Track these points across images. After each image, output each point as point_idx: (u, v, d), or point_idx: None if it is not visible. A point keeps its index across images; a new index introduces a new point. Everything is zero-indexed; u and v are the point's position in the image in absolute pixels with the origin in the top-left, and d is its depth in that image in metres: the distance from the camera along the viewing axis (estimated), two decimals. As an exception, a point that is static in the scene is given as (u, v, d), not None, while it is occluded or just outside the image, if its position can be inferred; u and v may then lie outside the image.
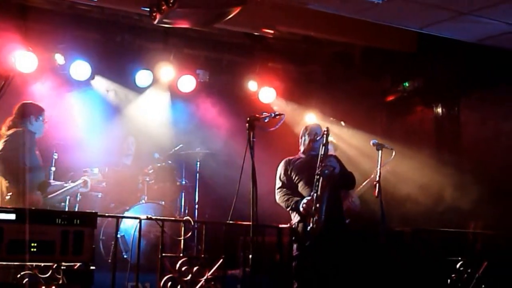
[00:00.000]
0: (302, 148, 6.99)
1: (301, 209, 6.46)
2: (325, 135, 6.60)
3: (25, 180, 6.65)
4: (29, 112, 6.98)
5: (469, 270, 7.54)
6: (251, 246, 5.51)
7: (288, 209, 6.71)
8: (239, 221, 6.52)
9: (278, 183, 6.84)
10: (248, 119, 5.67)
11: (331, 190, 6.52)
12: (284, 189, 6.76)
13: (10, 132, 6.73)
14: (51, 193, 7.18)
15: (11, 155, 6.57)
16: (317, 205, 6.33)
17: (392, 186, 8.79)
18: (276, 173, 7.00)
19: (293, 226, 6.62)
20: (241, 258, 7.64)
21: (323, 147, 6.54)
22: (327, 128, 6.69)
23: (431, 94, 10.60)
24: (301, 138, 7.01)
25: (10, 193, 6.45)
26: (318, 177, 6.41)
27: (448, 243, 8.30)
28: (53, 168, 8.00)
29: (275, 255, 7.21)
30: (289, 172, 6.83)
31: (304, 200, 6.45)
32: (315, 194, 6.37)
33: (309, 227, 6.33)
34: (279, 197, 6.76)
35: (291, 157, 7.02)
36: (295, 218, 6.64)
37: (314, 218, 6.31)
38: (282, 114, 5.94)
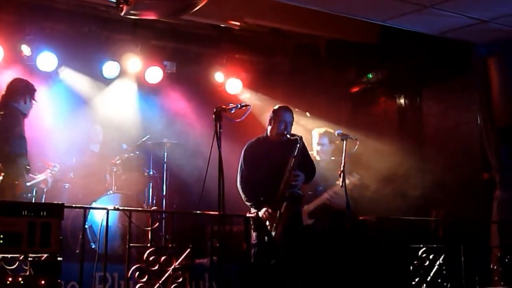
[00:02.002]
0: (268, 132, 6.91)
1: (262, 215, 6.49)
2: (297, 147, 6.57)
3: (19, 164, 6.72)
4: (23, 91, 6.96)
5: (431, 257, 7.60)
6: (219, 235, 5.49)
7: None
8: (207, 211, 6.47)
9: (241, 171, 6.80)
10: (214, 110, 5.64)
11: (293, 206, 6.56)
12: (247, 181, 6.71)
13: (2, 112, 6.71)
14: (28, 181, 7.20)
15: (4, 136, 6.62)
16: (279, 221, 6.39)
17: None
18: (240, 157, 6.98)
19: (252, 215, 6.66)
20: (208, 247, 7.60)
21: (293, 159, 6.53)
22: (300, 137, 6.66)
23: (394, 86, 10.68)
24: (269, 122, 6.90)
25: (3, 174, 6.47)
26: (283, 199, 6.45)
27: (410, 231, 8.36)
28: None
29: (243, 244, 7.19)
30: (252, 158, 6.78)
31: (265, 212, 6.49)
32: (278, 212, 6.41)
33: (272, 233, 6.39)
34: (240, 188, 6.74)
35: (256, 140, 6.95)
36: (252, 210, 6.67)
37: (274, 232, 6.37)
38: (248, 105, 5.91)
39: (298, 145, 6.55)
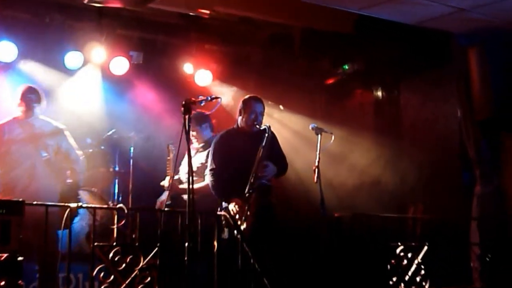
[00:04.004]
0: (239, 123, 7.05)
1: (232, 210, 6.60)
2: (265, 136, 6.67)
3: None
4: None
5: (409, 255, 7.68)
6: (187, 234, 5.49)
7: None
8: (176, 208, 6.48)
9: (211, 164, 6.93)
10: (183, 102, 5.61)
11: (262, 198, 6.65)
12: (216, 174, 6.85)
13: None
14: None
15: None
16: (248, 213, 6.49)
17: (331, 170, 8.87)
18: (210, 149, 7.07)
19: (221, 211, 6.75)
20: (177, 246, 7.60)
21: (261, 150, 6.64)
22: (269, 127, 6.76)
23: (371, 77, 10.75)
24: (239, 113, 7.04)
25: None
26: (251, 190, 6.55)
27: (388, 228, 8.44)
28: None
29: (213, 243, 7.21)
30: (222, 152, 6.92)
31: (235, 206, 6.61)
32: (247, 204, 6.51)
33: (242, 227, 6.48)
34: (210, 181, 6.88)
35: (226, 133, 7.09)
36: (224, 204, 6.77)
37: (245, 223, 6.48)
38: (218, 97, 5.91)
39: (267, 135, 6.64)
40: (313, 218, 7.56)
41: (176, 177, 7.71)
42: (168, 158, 8.03)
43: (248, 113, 6.90)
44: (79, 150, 7.68)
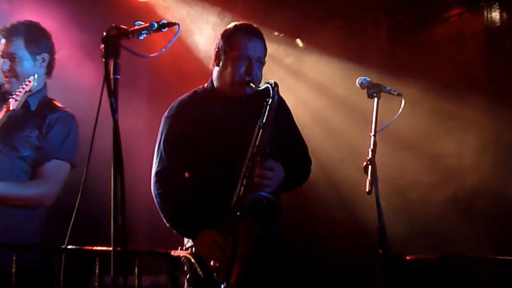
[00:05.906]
0: (215, 80, 7.05)
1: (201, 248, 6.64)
2: (268, 105, 6.59)
3: None
4: None
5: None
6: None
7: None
8: (92, 244, 6.43)
9: (158, 162, 6.92)
10: (104, 34, 5.45)
11: (264, 223, 6.55)
12: (170, 180, 6.83)
13: None
14: None
15: None
16: (234, 257, 6.47)
17: (397, 169, 8.82)
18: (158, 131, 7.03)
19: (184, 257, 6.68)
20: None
21: (261, 131, 6.56)
22: (273, 86, 6.65)
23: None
24: (216, 59, 7.04)
25: None
26: (240, 211, 6.50)
27: (505, 278, 8.46)
28: None
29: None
30: (182, 133, 6.91)
31: (208, 242, 6.61)
32: (231, 239, 6.50)
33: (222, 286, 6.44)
34: (155, 194, 6.89)
35: (190, 97, 7.13)
36: (189, 242, 6.79)
37: (228, 280, 6.45)
38: (174, 23, 5.76)
39: (270, 101, 6.53)
40: (363, 262, 7.53)
41: None
42: None
43: (234, 60, 6.83)
44: None
